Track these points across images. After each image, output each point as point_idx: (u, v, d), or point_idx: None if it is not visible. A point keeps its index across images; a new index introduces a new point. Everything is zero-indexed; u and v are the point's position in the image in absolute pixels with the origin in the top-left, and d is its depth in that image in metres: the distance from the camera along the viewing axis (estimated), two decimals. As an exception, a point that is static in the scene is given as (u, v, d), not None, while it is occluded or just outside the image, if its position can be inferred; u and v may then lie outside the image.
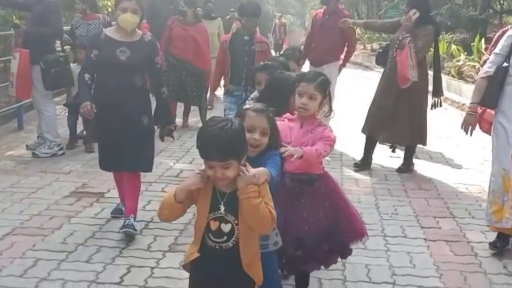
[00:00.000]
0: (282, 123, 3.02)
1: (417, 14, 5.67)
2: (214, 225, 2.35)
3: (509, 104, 3.93)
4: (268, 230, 2.40)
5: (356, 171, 6.07)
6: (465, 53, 12.56)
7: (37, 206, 4.69)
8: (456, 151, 6.97)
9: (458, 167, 6.36)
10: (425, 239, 4.27)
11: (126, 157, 4.14)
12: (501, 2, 18.16)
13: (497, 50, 4.02)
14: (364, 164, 6.16)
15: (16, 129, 7.63)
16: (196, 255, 2.38)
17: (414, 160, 6.34)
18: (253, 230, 2.36)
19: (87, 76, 4.15)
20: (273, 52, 18.75)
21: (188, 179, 2.34)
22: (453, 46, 13.42)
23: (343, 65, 7.39)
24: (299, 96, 3.04)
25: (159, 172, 5.70)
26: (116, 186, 4.48)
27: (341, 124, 6.89)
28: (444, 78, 11.87)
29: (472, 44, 12.52)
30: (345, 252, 3.21)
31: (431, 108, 6.11)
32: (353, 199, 5.02)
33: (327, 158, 6.28)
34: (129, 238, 4.05)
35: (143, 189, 4.69)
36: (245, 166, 2.31)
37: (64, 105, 7.18)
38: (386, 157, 6.46)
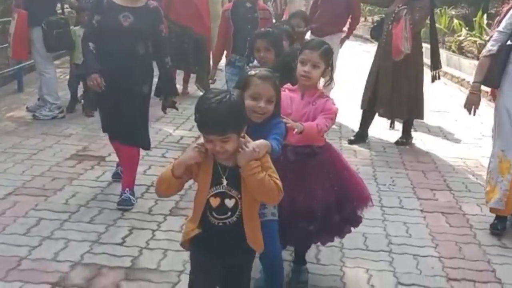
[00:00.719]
0: (283, 94, 2.89)
1: None
2: (214, 202, 2.30)
3: (509, 83, 3.88)
4: (276, 201, 2.36)
5: (351, 144, 6.09)
6: (467, 28, 12.49)
7: (38, 167, 4.73)
8: (454, 125, 7.00)
9: (456, 141, 6.41)
10: (421, 210, 4.34)
11: (124, 129, 4.07)
12: (505, -23, 18.00)
13: (500, 27, 3.97)
14: (358, 139, 6.18)
15: (16, 91, 7.63)
16: (197, 231, 2.33)
17: (413, 134, 6.39)
18: (255, 203, 2.34)
19: (91, 45, 4.01)
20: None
21: (186, 153, 2.27)
22: (455, 21, 13.34)
23: (347, 37, 7.33)
24: (301, 64, 2.96)
25: (159, 138, 5.75)
26: (115, 151, 4.44)
27: (341, 96, 6.90)
28: (445, 53, 11.90)
29: (474, 19, 12.45)
30: (356, 221, 3.17)
31: (432, 81, 6.13)
32: (351, 169, 5.12)
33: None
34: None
35: (143, 154, 4.72)
36: (243, 138, 2.26)
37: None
38: (385, 130, 6.48)
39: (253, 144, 2.25)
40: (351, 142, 6.13)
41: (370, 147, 6.01)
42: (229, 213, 2.29)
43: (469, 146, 6.20)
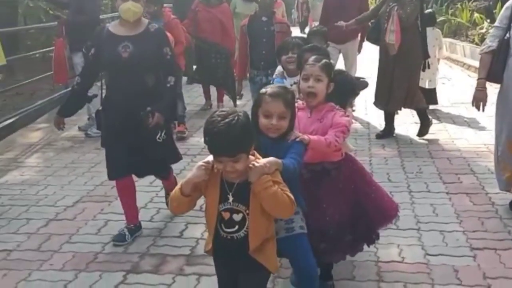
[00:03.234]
0: None
1: None
2: (226, 215, 2.35)
3: (509, 78, 3.96)
4: (290, 214, 2.39)
5: (378, 138, 6.45)
6: (488, 20, 12.72)
7: (98, 178, 5.27)
8: (478, 115, 7.28)
9: (480, 129, 6.73)
10: (447, 192, 4.73)
11: (145, 162, 3.91)
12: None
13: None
14: (386, 134, 6.52)
15: (66, 113, 8.24)
16: (210, 245, 2.42)
17: (439, 125, 6.77)
18: (264, 219, 2.36)
19: (76, 79, 3.89)
20: (297, 30, 19.11)
21: (192, 172, 2.32)
22: (476, 14, 13.57)
23: (362, 40, 7.52)
24: (304, 81, 2.94)
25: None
26: (120, 197, 4.06)
27: (367, 95, 7.28)
28: (468, 45, 12.19)
29: (494, 11, 12.67)
30: (371, 238, 3.17)
31: (422, 70, 6.37)
32: (380, 161, 5.57)
33: (353, 127, 6.77)
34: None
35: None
36: (253, 155, 2.33)
37: None
38: (411, 123, 6.87)
39: (263, 160, 2.31)
40: (378, 136, 6.51)
41: (397, 140, 6.40)
42: (237, 227, 2.35)
43: (491, 132, 6.45)
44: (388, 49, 6.07)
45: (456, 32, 14.34)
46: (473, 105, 4.25)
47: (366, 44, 7.46)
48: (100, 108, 3.96)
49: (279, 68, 4.29)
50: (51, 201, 4.76)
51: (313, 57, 3.04)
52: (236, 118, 2.22)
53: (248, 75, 5.89)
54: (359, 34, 7.53)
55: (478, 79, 4.17)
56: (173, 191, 2.39)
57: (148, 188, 5.01)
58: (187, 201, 2.36)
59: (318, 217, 2.87)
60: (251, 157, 2.31)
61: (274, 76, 4.39)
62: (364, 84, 4.03)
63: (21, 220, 4.34)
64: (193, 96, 9.01)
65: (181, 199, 2.34)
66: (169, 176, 4.30)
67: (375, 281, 3.35)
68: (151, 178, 5.25)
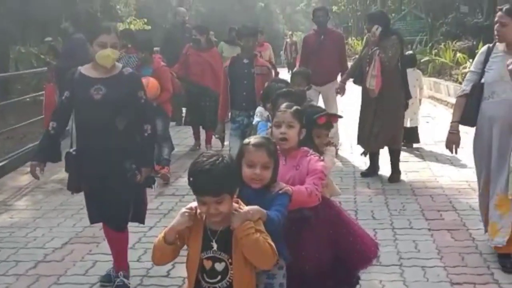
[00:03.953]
0: None
1: (380, 29, 6.13)
2: (208, 264, 2.33)
3: (482, 122, 4.04)
4: (271, 264, 2.37)
5: (363, 176, 6.59)
6: (470, 60, 13.07)
7: (86, 219, 5.16)
8: (460, 152, 7.46)
9: (462, 166, 6.89)
10: (429, 229, 4.85)
11: (109, 210, 3.79)
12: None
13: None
14: (370, 172, 6.66)
15: (55, 156, 8.34)
16: None
17: (422, 163, 6.94)
18: (247, 269, 2.33)
19: (51, 124, 3.78)
20: (285, 71, 19.46)
21: (175, 219, 2.30)
22: (459, 54, 13.95)
23: (344, 82, 7.36)
24: (276, 128, 2.94)
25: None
26: (108, 243, 4.02)
27: (351, 133, 7.45)
28: (452, 85, 12.50)
29: (476, 51, 13.02)
30: (352, 282, 3.18)
31: (404, 110, 6.53)
32: (364, 199, 5.70)
33: (338, 166, 6.89)
34: None
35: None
36: (237, 203, 2.34)
37: None
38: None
39: (246, 208, 2.33)
40: (363, 175, 6.65)
41: (382, 179, 6.53)
42: (219, 277, 2.33)
43: (473, 169, 6.65)
44: (369, 92, 6.26)
45: (440, 71, 14.71)
46: (446, 147, 4.33)
47: (352, 85, 7.65)
48: (71, 150, 3.85)
49: (261, 110, 4.38)
50: (40, 243, 4.81)
51: (284, 104, 3.07)
52: (220, 159, 2.28)
53: (229, 115, 6.00)
54: (338, 76, 7.63)
55: (452, 122, 4.25)
56: (156, 240, 2.36)
57: (136, 229, 5.06)
58: (171, 250, 2.34)
59: (298, 265, 2.84)
60: (234, 204, 2.32)
61: (256, 118, 4.48)
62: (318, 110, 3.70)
63: (10, 262, 4.39)
64: (182, 137, 9.15)
65: (165, 248, 2.32)
66: (123, 229, 3.91)
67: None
68: (139, 219, 5.35)
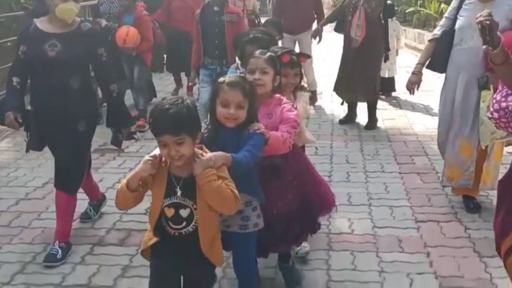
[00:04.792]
0: None
1: None
2: (169, 212, 2.32)
3: (450, 69, 4.07)
4: (233, 210, 2.38)
5: (341, 124, 6.73)
6: (454, 11, 13.07)
7: None
8: (437, 102, 7.63)
9: (437, 114, 7.01)
10: (400, 172, 5.03)
11: (56, 171, 3.67)
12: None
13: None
14: (348, 120, 6.79)
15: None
16: (154, 239, 2.37)
17: (398, 111, 7.08)
18: (212, 213, 2.34)
19: (14, 79, 3.56)
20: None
21: (139, 166, 2.29)
22: (443, 5, 13.93)
23: (321, 29, 7.40)
24: (250, 74, 2.89)
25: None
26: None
27: (330, 82, 7.52)
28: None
29: (461, 2, 13.02)
30: (314, 228, 3.23)
31: (384, 61, 6.64)
32: (340, 145, 5.86)
33: (317, 113, 7.01)
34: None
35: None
36: (201, 149, 2.32)
37: None
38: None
39: (209, 154, 2.31)
40: (341, 122, 6.78)
41: (359, 126, 6.67)
42: (184, 223, 2.32)
43: (448, 118, 6.85)
44: (351, 42, 6.30)
45: (425, 23, 14.69)
46: (406, 88, 4.39)
47: (329, 34, 7.67)
48: (30, 107, 3.66)
49: (237, 59, 4.20)
50: (21, 182, 4.93)
51: (258, 51, 3.03)
52: (181, 100, 2.26)
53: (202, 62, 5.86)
54: (313, 24, 7.58)
55: (416, 64, 4.30)
56: (120, 185, 2.35)
57: (116, 170, 5.21)
58: (133, 196, 2.32)
59: (266, 210, 2.84)
60: (198, 150, 2.30)
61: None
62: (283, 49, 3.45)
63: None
64: (164, 84, 9.17)
65: (127, 194, 2.30)
66: (73, 190, 3.71)
67: (325, 250, 3.61)
68: (119, 160, 5.47)
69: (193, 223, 2.32)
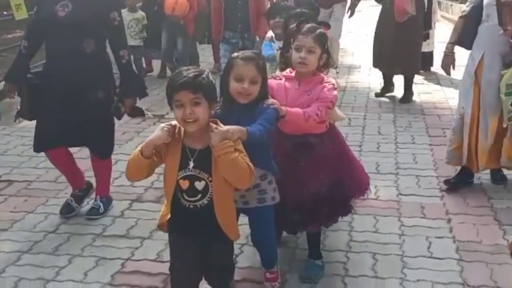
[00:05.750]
0: (279, 82, 2.88)
1: None
2: (184, 184, 2.29)
3: (476, 45, 3.96)
4: (248, 184, 2.34)
5: (377, 97, 6.81)
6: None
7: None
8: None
9: (475, 90, 7.02)
10: (430, 144, 5.12)
11: (79, 134, 3.56)
12: None
13: None
14: (384, 93, 6.85)
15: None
16: (168, 216, 2.37)
17: (436, 86, 7.11)
18: (227, 186, 2.31)
19: (23, 43, 3.52)
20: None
21: (154, 134, 2.24)
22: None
23: (355, 5, 7.44)
24: (296, 51, 2.83)
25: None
26: (58, 167, 3.86)
27: (366, 53, 7.56)
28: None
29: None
30: (347, 210, 3.16)
31: (424, 40, 6.66)
32: (373, 117, 5.98)
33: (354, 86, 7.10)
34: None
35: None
36: (216, 123, 2.28)
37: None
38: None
39: (226, 127, 2.27)
40: (377, 95, 6.86)
41: (394, 99, 6.75)
42: (200, 196, 2.30)
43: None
44: (396, 15, 6.22)
45: (471, -2, 14.34)
46: (442, 68, 4.30)
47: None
48: (28, 75, 3.58)
49: (270, 32, 4.28)
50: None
51: (307, 27, 2.89)
52: (199, 70, 2.27)
53: (221, 37, 5.77)
54: None
55: (448, 43, 4.16)
56: (131, 155, 2.29)
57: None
58: (147, 164, 2.26)
59: (297, 189, 2.84)
60: (213, 124, 2.27)
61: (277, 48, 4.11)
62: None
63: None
64: (205, 55, 9.36)
65: (141, 162, 2.24)
66: (106, 156, 3.77)
67: (349, 214, 3.76)
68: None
69: (208, 195, 2.30)
